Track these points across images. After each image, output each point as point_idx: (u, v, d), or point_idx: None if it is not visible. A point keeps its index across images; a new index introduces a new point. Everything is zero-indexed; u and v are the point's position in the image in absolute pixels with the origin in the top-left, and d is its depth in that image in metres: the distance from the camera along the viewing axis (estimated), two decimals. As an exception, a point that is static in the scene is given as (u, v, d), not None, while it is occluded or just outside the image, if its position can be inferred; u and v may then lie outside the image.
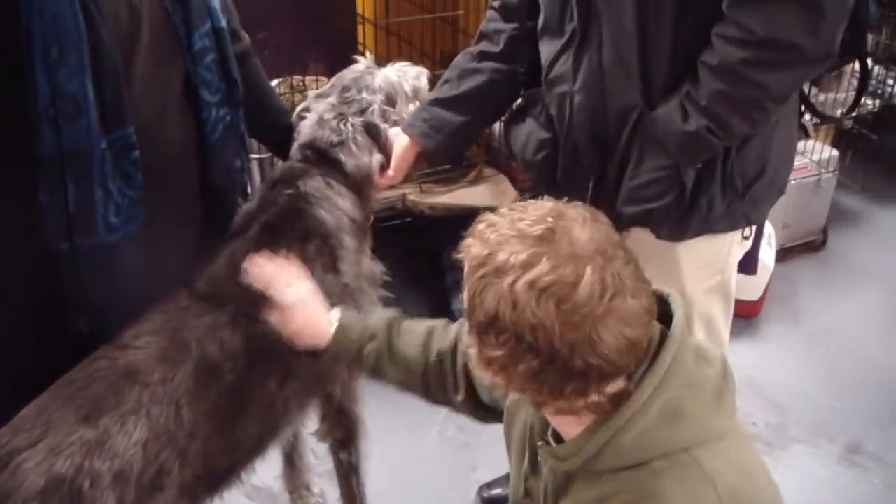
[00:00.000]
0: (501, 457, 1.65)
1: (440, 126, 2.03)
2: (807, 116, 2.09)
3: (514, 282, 1.17)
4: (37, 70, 1.55)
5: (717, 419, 1.29)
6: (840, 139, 3.93)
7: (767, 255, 3.33)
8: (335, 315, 1.76)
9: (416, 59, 3.82)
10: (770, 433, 3.00)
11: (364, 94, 2.11)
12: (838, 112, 3.38)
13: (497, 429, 1.65)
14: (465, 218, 1.31)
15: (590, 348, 1.17)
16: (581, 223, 1.22)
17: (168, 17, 1.75)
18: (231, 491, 1.95)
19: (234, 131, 1.95)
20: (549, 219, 1.22)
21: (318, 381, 1.98)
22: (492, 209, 1.30)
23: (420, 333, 1.73)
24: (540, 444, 1.40)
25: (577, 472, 1.32)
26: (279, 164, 2.30)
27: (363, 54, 4.19)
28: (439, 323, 1.76)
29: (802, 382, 3.24)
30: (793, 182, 2.57)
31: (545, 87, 1.94)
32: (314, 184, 2.00)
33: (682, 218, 1.79)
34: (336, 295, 1.94)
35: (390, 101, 2.15)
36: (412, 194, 3.32)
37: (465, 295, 1.25)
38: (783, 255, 3.80)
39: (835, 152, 3.83)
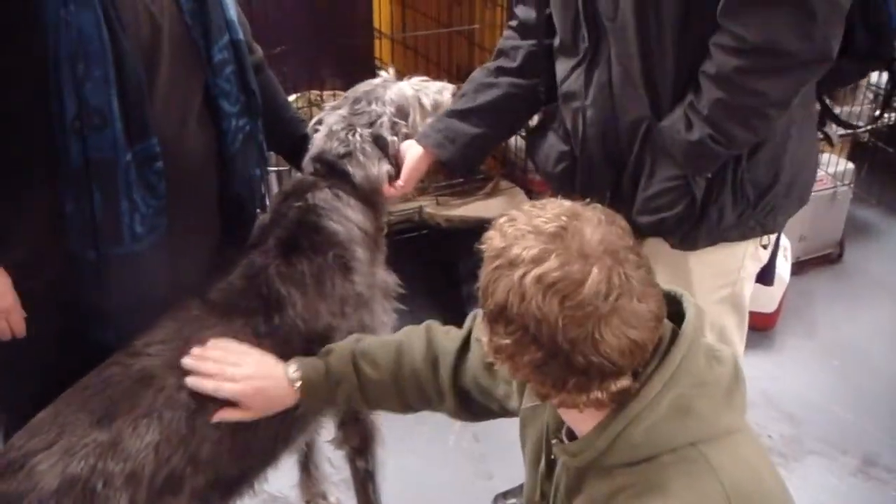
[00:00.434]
0: (517, 466, 1.68)
1: (454, 137, 2.05)
2: (833, 127, 2.09)
3: (523, 275, 1.22)
4: (63, 84, 1.60)
5: (726, 417, 1.32)
6: (856, 152, 3.93)
7: (783, 267, 3.34)
8: (293, 373, 1.76)
9: (432, 73, 3.85)
10: (785, 445, 3.00)
11: (374, 106, 2.13)
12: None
13: (513, 439, 1.67)
14: (480, 230, 1.35)
15: (591, 346, 1.20)
16: (595, 224, 1.25)
17: (188, 31, 1.78)
18: (245, 500, 1.97)
19: (254, 141, 1.98)
20: (564, 217, 1.26)
21: None
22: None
23: (387, 356, 1.77)
24: (554, 441, 1.44)
25: (588, 468, 1.35)
26: (295, 175, 2.33)
27: (380, 68, 4.24)
28: (404, 339, 1.79)
29: (817, 394, 3.24)
30: (809, 194, 2.57)
31: (560, 102, 1.98)
32: (323, 196, 2.03)
33: (693, 227, 1.81)
34: (351, 304, 1.97)
35: (402, 113, 2.15)
36: (428, 207, 3.34)
37: (480, 283, 1.30)
38: (799, 267, 3.80)
39: (850, 165, 3.82)
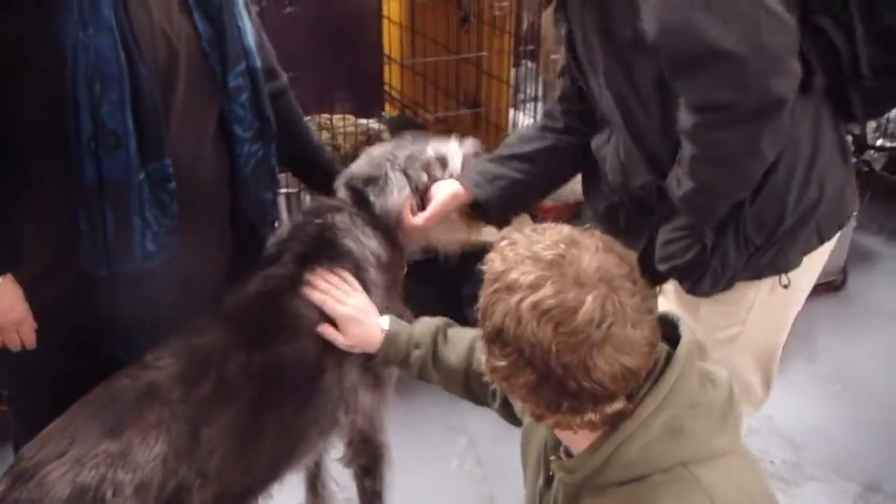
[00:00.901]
0: (518, 490, 1.70)
1: (493, 178, 2.09)
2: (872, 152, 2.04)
3: (520, 300, 1.26)
4: (80, 105, 1.65)
5: (718, 439, 1.35)
6: (858, 180, 3.95)
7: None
8: (385, 323, 1.95)
9: (440, 99, 3.91)
10: (786, 471, 3.01)
11: (417, 146, 2.20)
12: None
13: (515, 463, 1.71)
14: (484, 254, 1.39)
15: (584, 372, 1.24)
16: (592, 252, 1.29)
17: (205, 57, 1.83)
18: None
19: (266, 166, 2.02)
20: (562, 245, 1.30)
21: (336, 410, 2.03)
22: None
23: (464, 344, 1.87)
24: (552, 458, 1.47)
25: (584, 485, 1.38)
26: (307, 199, 2.37)
27: (389, 93, 4.29)
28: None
29: (820, 421, 3.26)
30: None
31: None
32: (341, 217, 2.08)
33: (701, 275, 1.82)
34: None
35: (442, 161, 2.21)
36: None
37: (479, 304, 1.34)
38: (802, 294, 3.80)
39: (853, 193, 3.84)
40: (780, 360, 2.06)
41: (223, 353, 1.83)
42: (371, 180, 2.12)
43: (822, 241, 1.88)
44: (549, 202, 3.48)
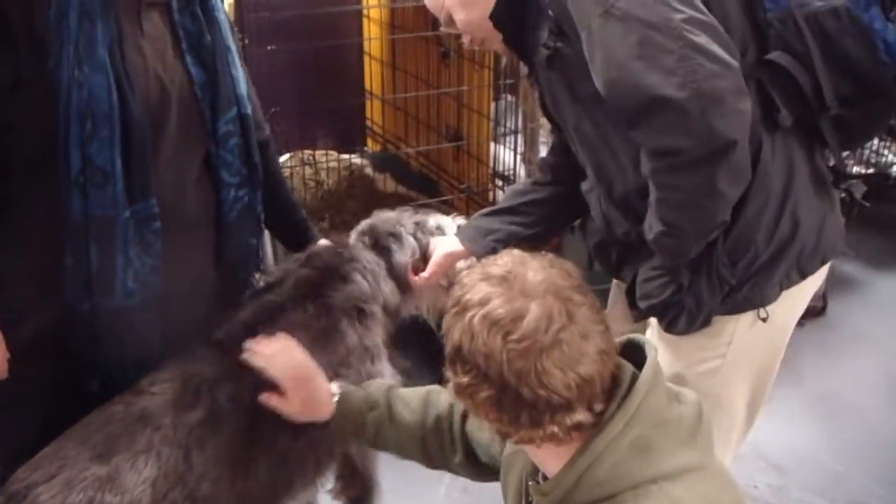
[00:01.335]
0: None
1: (488, 232, 2.17)
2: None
3: (472, 316, 1.32)
4: (70, 141, 1.67)
5: (688, 455, 1.37)
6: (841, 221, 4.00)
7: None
8: (335, 388, 1.85)
9: (421, 133, 3.95)
10: (772, 495, 3.03)
11: (420, 216, 2.34)
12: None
13: (500, 491, 1.71)
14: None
15: (536, 379, 1.29)
16: (538, 269, 1.36)
17: (196, 102, 1.86)
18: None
19: (252, 212, 2.04)
20: (510, 263, 1.37)
21: (333, 441, 2.03)
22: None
23: (417, 399, 1.84)
24: (530, 483, 1.50)
25: None
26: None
27: (371, 129, 4.32)
28: (434, 388, 1.86)
29: (804, 444, 3.29)
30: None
31: None
32: (368, 256, 2.18)
33: (678, 315, 1.84)
34: (356, 356, 2.04)
35: (440, 230, 2.34)
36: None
37: (444, 329, 1.40)
38: (784, 320, 3.84)
39: (831, 220, 3.89)
40: (763, 385, 2.06)
41: (216, 380, 1.85)
42: (393, 236, 2.25)
43: (803, 275, 1.88)
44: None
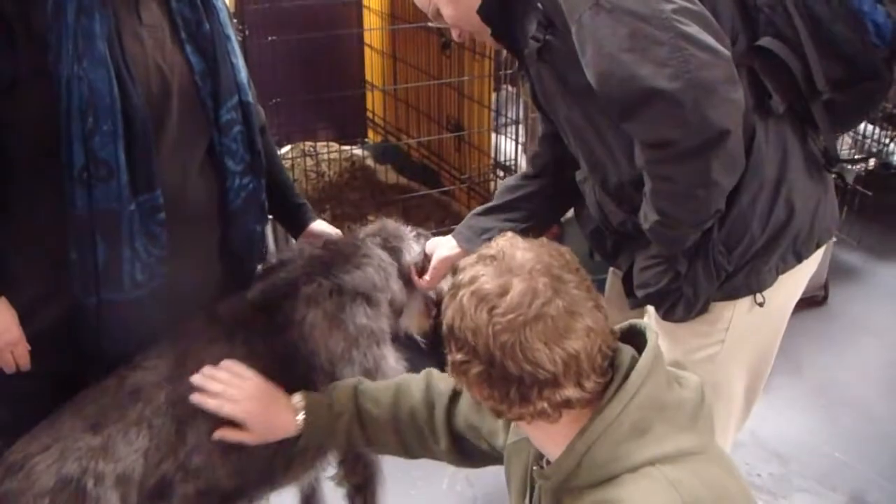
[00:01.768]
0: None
1: (482, 231, 2.18)
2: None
3: (462, 295, 1.35)
4: (72, 136, 1.67)
5: (688, 439, 1.38)
6: (836, 196, 4.01)
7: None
8: (297, 402, 1.84)
9: (423, 125, 3.95)
10: (773, 484, 3.04)
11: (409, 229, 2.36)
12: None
13: (503, 483, 1.72)
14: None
15: (520, 353, 1.31)
16: (527, 248, 1.39)
17: (197, 91, 1.85)
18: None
19: (256, 199, 2.04)
20: (503, 244, 1.40)
21: None
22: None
23: (387, 394, 1.85)
24: (535, 468, 1.51)
25: (561, 490, 1.42)
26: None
27: (372, 120, 4.32)
28: (404, 379, 1.88)
29: (805, 434, 3.29)
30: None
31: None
32: (380, 253, 2.18)
33: (675, 303, 1.85)
34: (366, 337, 2.05)
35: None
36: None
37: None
38: (785, 310, 3.85)
39: (832, 209, 3.89)
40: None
41: (214, 356, 1.86)
42: (401, 238, 2.27)
43: (799, 259, 1.89)
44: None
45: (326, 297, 2.01)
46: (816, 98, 1.78)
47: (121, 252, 1.76)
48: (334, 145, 3.94)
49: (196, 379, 1.80)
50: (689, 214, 1.71)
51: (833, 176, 1.96)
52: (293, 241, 2.38)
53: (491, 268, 1.36)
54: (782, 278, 1.89)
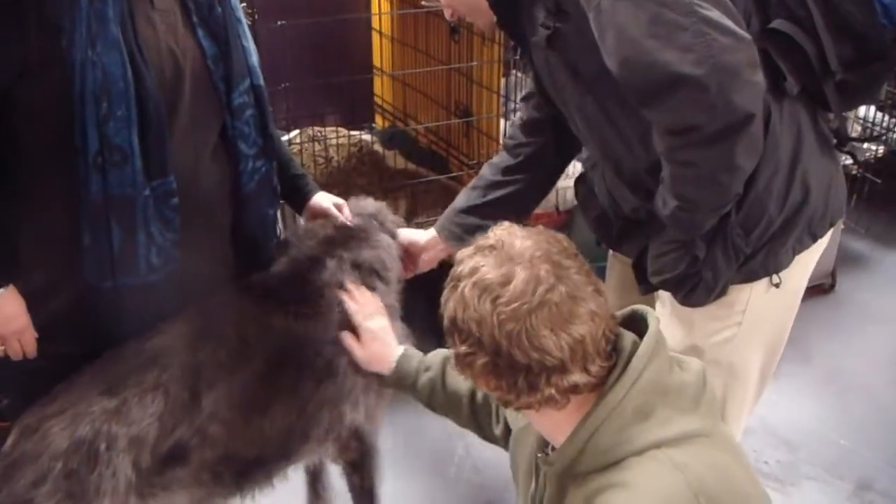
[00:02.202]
0: (515, 498, 1.73)
1: (469, 229, 2.20)
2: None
3: (464, 286, 1.36)
4: (87, 121, 1.66)
5: (692, 422, 1.39)
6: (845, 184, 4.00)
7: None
8: (401, 350, 1.98)
9: (431, 110, 3.94)
10: (781, 471, 3.05)
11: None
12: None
13: (508, 471, 1.75)
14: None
15: (526, 341, 1.31)
16: (525, 236, 1.39)
17: (209, 75, 1.85)
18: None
19: (269, 182, 2.05)
20: (500, 234, 1.41)
21: (352, 394, 2.06)
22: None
23: None
24: (539, 455, 1.52)
25: (566, 476, 1.43)
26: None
27: (380, 105, 4.31)
28: None
29: (813, 421, 3.30)
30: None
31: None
32: (384, 236, 2.25)
33: (694, 287, 1.84)
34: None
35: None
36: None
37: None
38: (793, 297, 3.84)
39: (840, 196, 3.88)
40: (773, 362, 2.07)
41: (234, 322, 1.92)
42: (393, 222, 2.33)
43: (814, 238, 1.90)
44: (542, 210, 3.52)
45: (349, 270, 2.08)
46: (830, 79, 1.78)
47: (136, 236, 1.77)
48: (342, 130, 3.92)
49: (351, 285, 2.03)
50: (711, 199, 1.71)
51: (843, 156, 1.98)
52: (301, 220, 2.39)
53: (491, 258, 1.37)
54: (797, 258, 1.90)
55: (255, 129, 1.96)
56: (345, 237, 2.16)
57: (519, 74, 3.69)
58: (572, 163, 2.33)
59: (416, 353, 1.98)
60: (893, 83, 3.98)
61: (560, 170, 2.31)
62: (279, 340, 1.94)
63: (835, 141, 1.93)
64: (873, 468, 3.07)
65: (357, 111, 4.25)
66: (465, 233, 2.21)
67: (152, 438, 1.77)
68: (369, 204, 2.31)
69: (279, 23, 3.25)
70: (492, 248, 1.38)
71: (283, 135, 2.66)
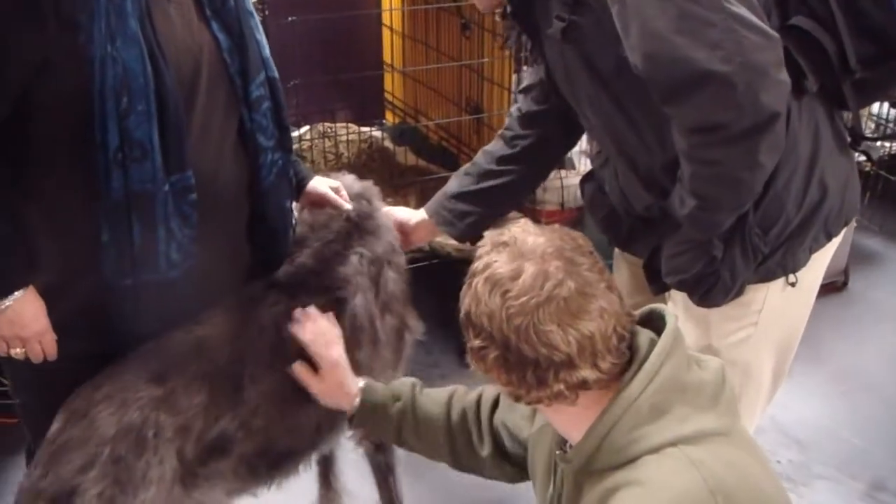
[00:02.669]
0: (526, 494, 1.75)
1: (462, 215, 2.24)
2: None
3: (477, 281, 1.39)
4: (107, 116, 1.65)
5: (710, 420, 1.38)
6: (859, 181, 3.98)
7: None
8: (361, 381, 1.90)
9: (442, 106, 3.93)
10: (794, 470, 3.03)
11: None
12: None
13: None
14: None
15: (534, 335, 1.33)
16: (538, 234, 1.41)
17: (225, 68, 1.84)
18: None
19: (286, 174, 2.04)
20: (515, 231, 1.42)
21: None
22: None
23: (441, 395, 1.88)
24: (557, 453, 1.52)
25: (583, 473, 1.43)
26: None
27: (390, 101, 4.31)
28: (459, 387, 1.90)
29: (825, 420, 3.28)
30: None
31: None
32: (384, 219, 2.26)
33: (712, 287, 1.82)
34: (396, 299, 2.16)
35: None
36: (439, 237, 3.39)
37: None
38: (805, 295, 3.82)
39: (854, 194, 3.86)
40: (785, 361, 2.06)
41: (274, 317, 1.94)
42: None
43: (829, 237, 1.89)
44: (552, 207, 3.50)
45: (368, 264, 2.10)
46: (848, 77, 1.77)
47: (156, 232, 1.76)
48: (353, 126, 3.93)
49: (299, 313, 1.92)
50: (732, 198, 1.69)
51: (858, 154, 1.96)
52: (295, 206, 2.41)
53: (504, 254, 1.38)
54: (813, 257, 1.89)
55: (272, 121, 1.95)
56: (360, 231, 2.16)
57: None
58: (582, 160, 2.33)
59: (379, 385, 1.90)
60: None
61: (553, 164, 2.32)
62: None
63: (849, 139, 1.92)
64: (886, 467, 3.05)
65: (367, 107, 4.26)
66: (455, 218, 2.23)
67: (197, 429, 1.78)
68: (354, 183, 2.29)
69: (290, 18, 3.25)
70: (505, 244, 1.40)
71: (293, 131, 2.65)
